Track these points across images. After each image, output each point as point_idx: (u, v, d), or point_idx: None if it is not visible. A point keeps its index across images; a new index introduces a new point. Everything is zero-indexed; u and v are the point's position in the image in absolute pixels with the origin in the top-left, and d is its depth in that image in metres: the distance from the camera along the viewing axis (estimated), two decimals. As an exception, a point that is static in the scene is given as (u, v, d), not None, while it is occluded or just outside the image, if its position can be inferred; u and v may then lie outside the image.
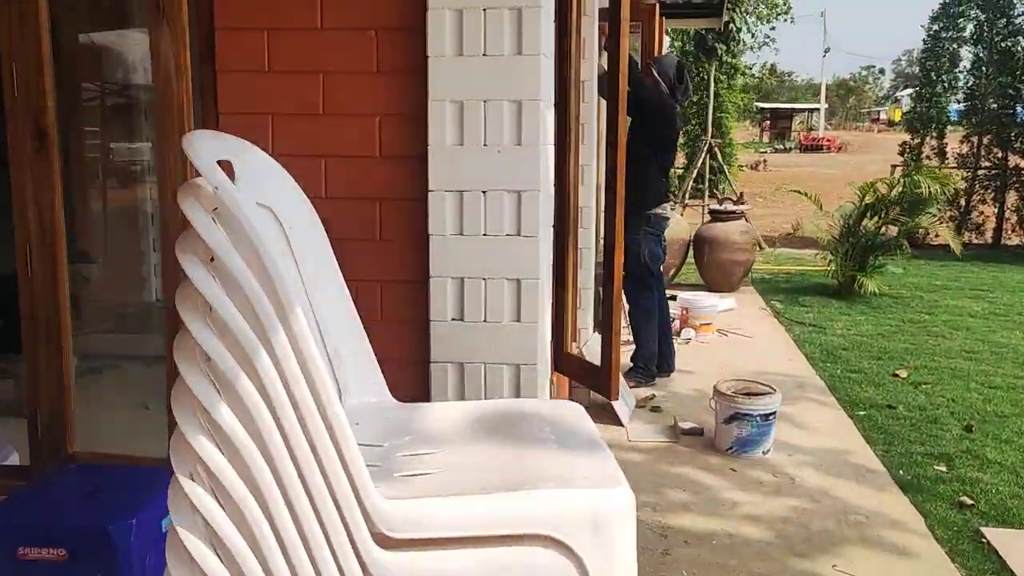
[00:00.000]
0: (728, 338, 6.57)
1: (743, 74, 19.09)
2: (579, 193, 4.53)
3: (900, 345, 6.52)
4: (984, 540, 3.23)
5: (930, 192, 8.33)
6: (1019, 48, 13.47)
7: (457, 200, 2.41)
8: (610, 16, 3.62)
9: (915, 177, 8.56)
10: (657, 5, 6.88)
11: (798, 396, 5.00)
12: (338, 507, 1.24)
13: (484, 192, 2.40)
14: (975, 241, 13.17)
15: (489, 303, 2.44)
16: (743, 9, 14.20)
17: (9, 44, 2.48)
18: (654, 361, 5.23)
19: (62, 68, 3.18)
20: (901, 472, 3.90)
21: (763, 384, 4.20)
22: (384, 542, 1.28)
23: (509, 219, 2.41)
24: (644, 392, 5.04)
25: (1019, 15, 13.56)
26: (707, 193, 13.36)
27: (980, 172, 13.57)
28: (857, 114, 61.17)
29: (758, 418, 4.00)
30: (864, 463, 3.98)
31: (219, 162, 1.44)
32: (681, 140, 17.54)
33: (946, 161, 13.95)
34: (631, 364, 5.25)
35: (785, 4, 18.61)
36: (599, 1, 4.91)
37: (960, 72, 14.24)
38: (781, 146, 36.33)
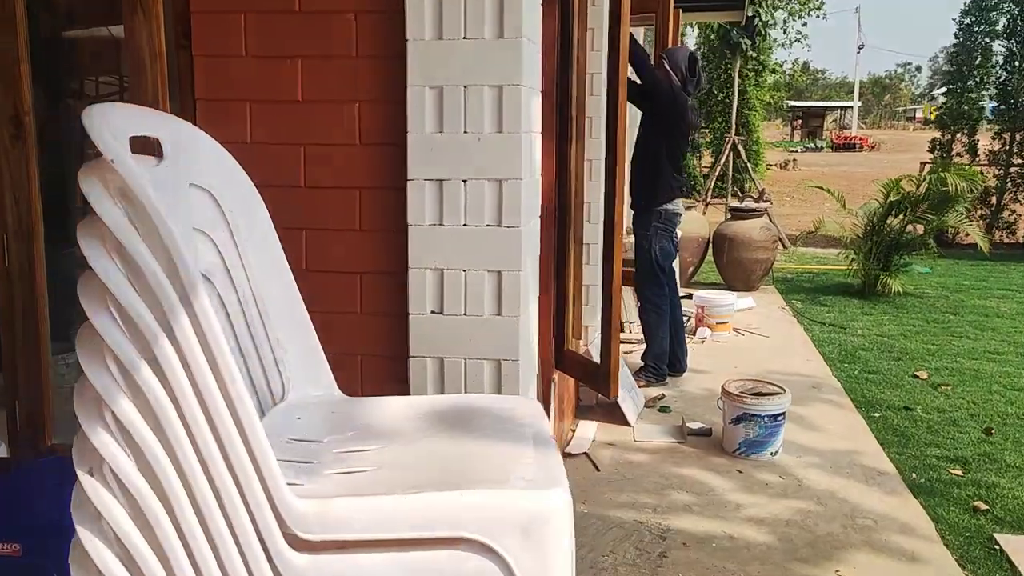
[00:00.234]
0: (744, 337, 6.43)
1: (773, 71, 18.72)
2: (586, 188, 4.43)
3: (922, 346, 6.35)
4: (997, 547, 3.10)
5: (957, 189, 8.11)
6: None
7: (436, 189, 2.32)
8: (610, 3, 3.52)
9: (941, 174, 8.33)
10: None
11: (812, 397, 4.87)
12: (247, 506, 1.16)
13: (464, 181, 2.31)
14: (1006, 240, 12.84)
15: (469, 295, 2.35)
16: (770, 3, 13.90)
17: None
18: (665, 359, 5.12)
19: (42, 59, 3.14)
20: (914, 475, 3.77)
21: (772, 384, 4.09)
22: (298, 544, 1.19)
23: (490, 209, 2.32)
24: (654, 391, 4.93)
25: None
26: (731, 192, 13.18)
27: (1012, 169, 13.24)
28: (892, 112, 60.27)
29: (766, 419, 3.89)
30: (875, 466, 3.85)
31: (150, 140, 1.37)
32: (708, 138, 17.37)
33: (977, 158, 13.63)
34: (641, 363, 5.15)
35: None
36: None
37: (993, 67, 13.88)
38: (812, 145, 35.81)
